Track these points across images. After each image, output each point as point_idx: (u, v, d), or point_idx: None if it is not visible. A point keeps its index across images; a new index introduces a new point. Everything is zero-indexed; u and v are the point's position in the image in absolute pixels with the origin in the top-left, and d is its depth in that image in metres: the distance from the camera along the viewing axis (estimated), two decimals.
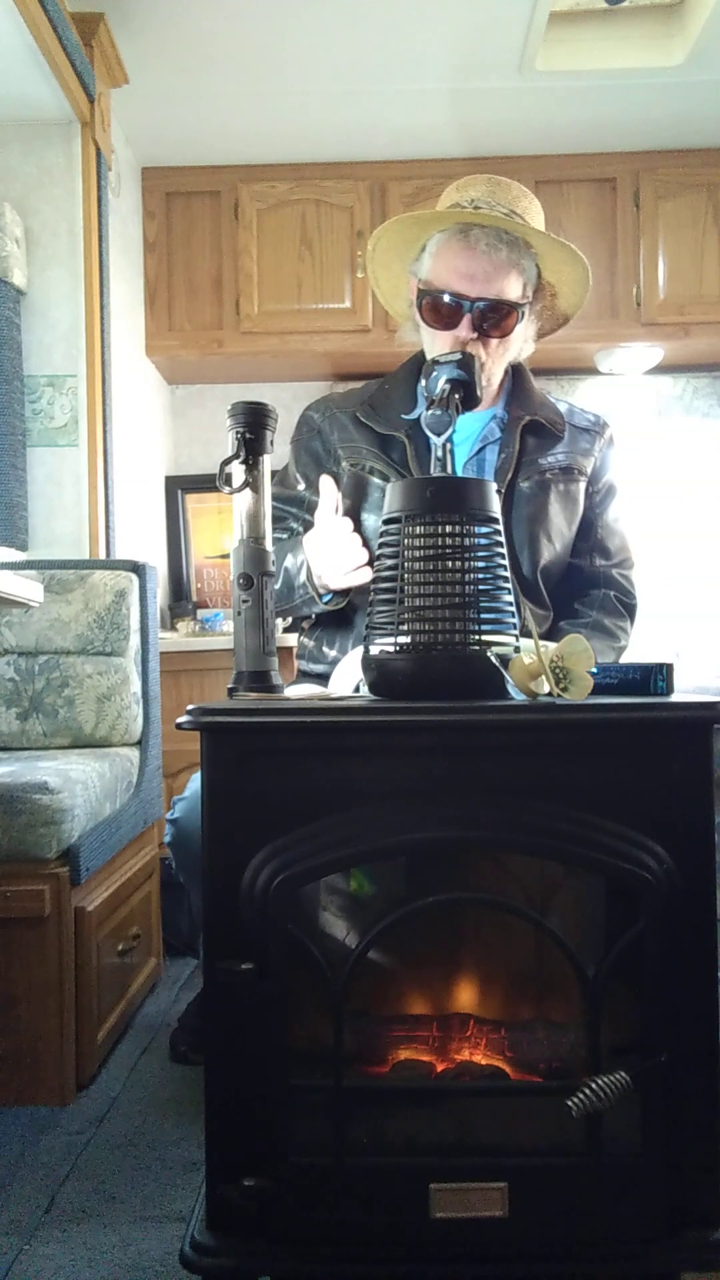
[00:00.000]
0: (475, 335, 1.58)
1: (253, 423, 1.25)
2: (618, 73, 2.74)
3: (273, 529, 1.32)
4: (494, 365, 1.63)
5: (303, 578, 1.64)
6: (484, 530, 1.13)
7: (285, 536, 1.74)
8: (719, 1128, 1.05)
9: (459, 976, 1.23)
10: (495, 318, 1.58)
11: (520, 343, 1.66)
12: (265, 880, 1.04)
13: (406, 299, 1.70)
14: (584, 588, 1.78)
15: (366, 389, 1.78)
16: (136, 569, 2.30)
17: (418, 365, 1.74)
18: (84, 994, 1.72)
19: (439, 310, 1.59)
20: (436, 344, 1.61)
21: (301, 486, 1.76)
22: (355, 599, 1.68)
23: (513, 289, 1.58)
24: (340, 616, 1.73)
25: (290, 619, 2.51)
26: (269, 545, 1.27)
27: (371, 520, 1.66)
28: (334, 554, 1.60)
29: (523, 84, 2.78)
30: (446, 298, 1.57)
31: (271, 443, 1.27)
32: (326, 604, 1.66)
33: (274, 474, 1.68)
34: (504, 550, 1.14)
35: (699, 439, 3.44)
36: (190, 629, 3.10)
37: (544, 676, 1.08)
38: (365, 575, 1.56)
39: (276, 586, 1.65)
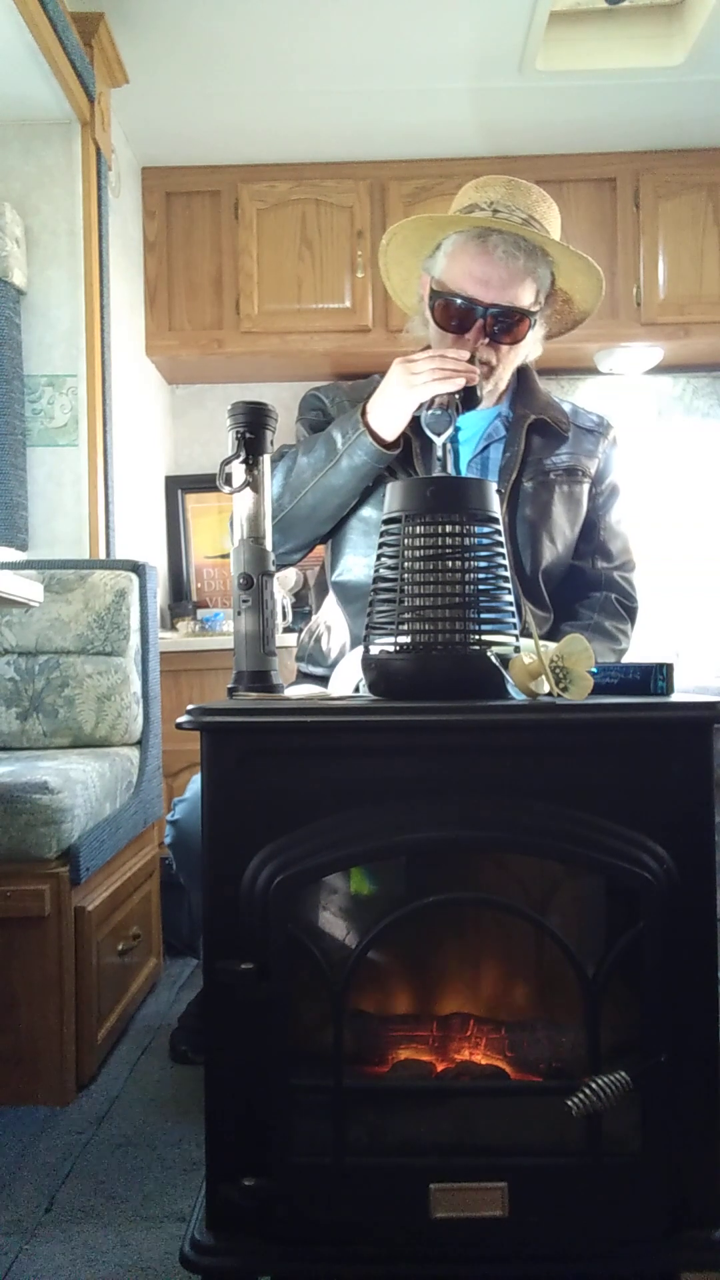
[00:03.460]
0: (486, 340, 1.58)
1: (253, 423, 1.25)
2: (618, 73, 2.74)
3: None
4: (503, 370, 1.63)
5: (355, 416, 1.59)
6: (484, 530, 1.13)
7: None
8: (719, 1128, 1.05)
9: (459, 976, 1.23)
10: (507, 324, 1.58)
11: (530, 346, 1.66)
12: (265, 880, 1.04)
13: (417, 293, 1.69)
14: (585, 590, 1.77)
15: (371, 384, 1.77)
16: (136, 569, 2.30)
17: None
18: (84, 994, 1.72)
19: (451, 313, 1.59)
20: (446, 345, 1.60)
21: None
22: (348, 604, 1.68)
23: (526, 296, 1.58)
24: (339, 616, 1.73)
25: (289, 618, 2.50)
26: (269, 545, 1.27)
27: (374, 515, 1.66)
28: (441, 358, 1.52)
29: (523, 83, 2.78)
30: (460, 301, 1.57)
31: (271, 442, 1.28)
32: (371, 449, 1.57)
33: (280, 458, 1.67)
34: (504, 550, 1.14)
35: (699, 439, 3.44)
36: (190, 629, 3.10)
37: (544, 676, 1.08)
38: (460, 383, 1.49)
39: (313, 457, 1.62)
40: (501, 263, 1.54)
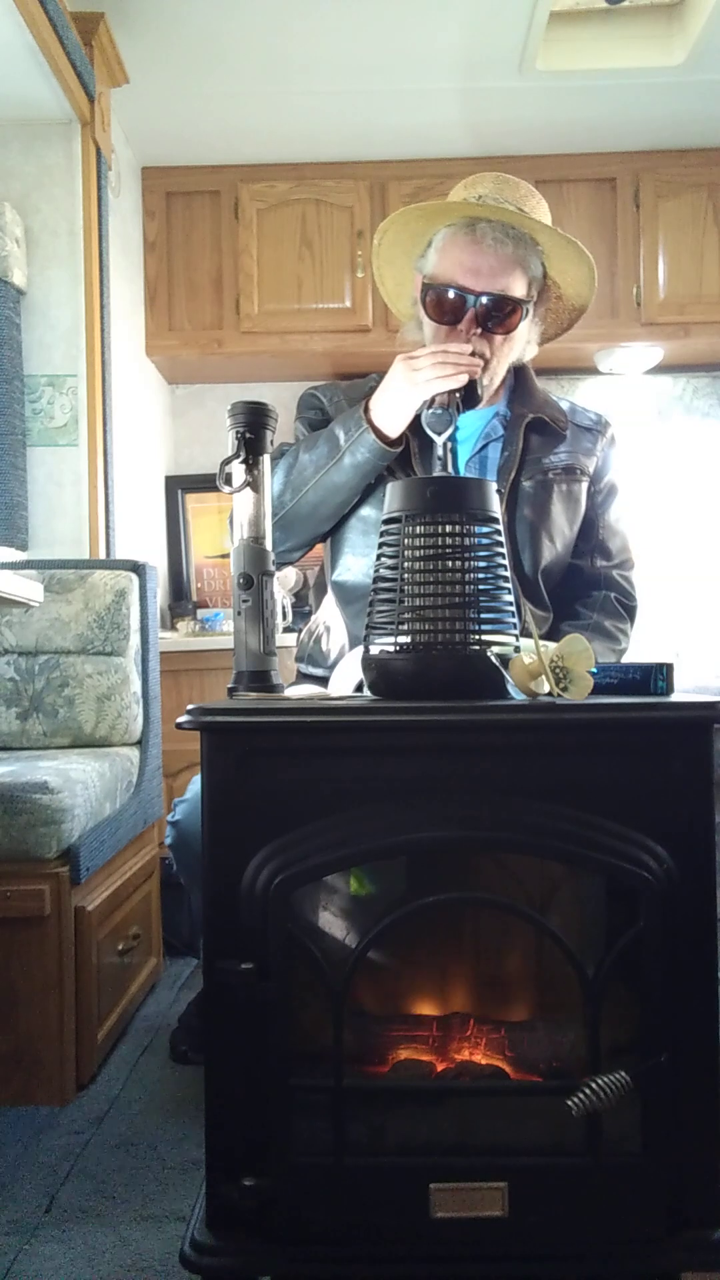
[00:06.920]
0: (479, 331, 1.57)
1: (253, 422, 1.25)
2: (618, 73, 2.74)
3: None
4: (498, 363, 1.63)
5: (358, 414, 1.59)
6: (484, 530, 1.13)
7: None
8: (719, 1128, 1.05)
9: (459, 976, 1.23)
10: (499, 314, 1.57)
11: (524, 342, 1.66)
12: (265, 880, 1.04)
13: (411, 297, 1.69)
14: (585, 589, 1.77)
15: (369, 382, 1.76)
16: (136, 569, 2.30)
17: None
18: (84, 994, 1.72)
19: (443, 304, 1.58)
20: (440, 340, 1.60)
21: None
22: (347, 604, 1.68)
23: (517, 286, 1.57)
24: (339, 617, 1.73)
25: (289, 618, 2.50)
26: (269, 545, 1.27)
27: (373, 515, 1.66)
28: (443, 354, 1.50)
29: (523, 83, 2.78)
30: (451, 292, 1.57)
31: (271, 442, 1.27)
32: (374, 446, 1.57)
33: (280, 456, 1.67)
34: (504, 550, 1.14)
35: (699, 439, 3.44)
36: (190, 629, 3.10)
37: (544, 676, 1.08)
38: (463, 379, 1.47)
39: (315, 454, 1.62)
40: (491, 250, 1.54)
